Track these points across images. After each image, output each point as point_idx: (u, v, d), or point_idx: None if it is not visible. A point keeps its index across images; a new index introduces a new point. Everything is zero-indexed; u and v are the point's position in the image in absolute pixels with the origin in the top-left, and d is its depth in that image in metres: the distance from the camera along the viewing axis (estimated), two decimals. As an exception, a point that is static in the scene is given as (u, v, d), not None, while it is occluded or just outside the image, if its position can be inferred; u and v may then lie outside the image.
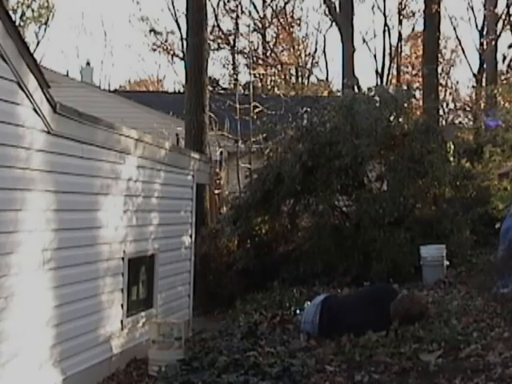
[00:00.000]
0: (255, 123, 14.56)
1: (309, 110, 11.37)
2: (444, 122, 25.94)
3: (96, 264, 6.81)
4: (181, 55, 31.74)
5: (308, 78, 37.06)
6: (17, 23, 24.90)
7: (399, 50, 33.47)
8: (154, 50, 34.43)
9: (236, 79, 24.31)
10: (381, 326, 5.21)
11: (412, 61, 34.66)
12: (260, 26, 34.67)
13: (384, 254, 9.09)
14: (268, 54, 34.62)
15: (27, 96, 5.54)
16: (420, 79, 25.04)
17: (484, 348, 4.58)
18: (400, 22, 32.51)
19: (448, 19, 31.47)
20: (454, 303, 6.18)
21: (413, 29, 34.16)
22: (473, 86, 30.81)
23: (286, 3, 35.16)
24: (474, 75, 30.54)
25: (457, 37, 39.68)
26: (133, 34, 70.75)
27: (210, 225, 12.35)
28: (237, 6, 33.13)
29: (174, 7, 38.68)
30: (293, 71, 36.31)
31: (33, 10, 32.05)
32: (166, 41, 33.84)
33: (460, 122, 27.04)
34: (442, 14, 20.47)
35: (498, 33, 25.53)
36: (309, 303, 6.26)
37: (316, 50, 37.04)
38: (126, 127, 7.48)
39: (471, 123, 24.71)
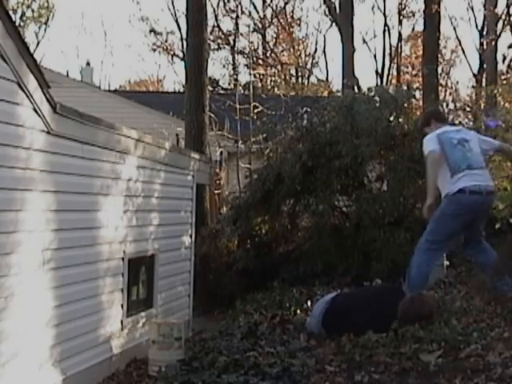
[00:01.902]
0: (255, 123, 14.55)
1: (309, 110, 11.36)
2: (444, 122, 25.83)
3: (96, 264, 6.81)
4: (181, 55, 31.81)
5: (308, 78, 37.09)
6: (17, 23, 24.90)
7: (399, 50, 33.50)
8: (154, 50, 34.53)
9: (236, 79, 24.31)
10: (387, 327, 5.21)
11: (412, 61, 34.69)
12: (260, 26, 34.70)
13: (384, 253, 9.08)
14: (268, 54, 34.64)
15: (27, 96, 5.54)
16: (420, 79, 25.04)
17: (484, 348, 4.57)
18: (400, 22, 32.58)
19: (448, 19, 31.51)
20: (454, 303, 6.18)
21: (413, 29, 34.25)
22: (473, 86, 30.79)
23: (286, 3, 35.20)
24: (474, 75, 30.53)
25: (457, 37, 39.80)
26: (133, 34, 70.98)
27: (210, 225, 12.35)
28: (237, 6, 33.21)
29: (174, 7, 38.89)
30: (293, 71, 36.33)
31: (33, 10, 32.09)
32: (166, 41, 33.93)
33: (460, 122, 27.00)
34: (442, 14, 20.47)
35: (497, 33, 25.51)
36: (310, 302, 6.27)
37: (316, 50, 37.11)
38: (126, 127, 7.49)
39: (471, 123, 24.68)
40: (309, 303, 7.16)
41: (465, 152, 6.29)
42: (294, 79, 35.91)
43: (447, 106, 32.94)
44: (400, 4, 32.06)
